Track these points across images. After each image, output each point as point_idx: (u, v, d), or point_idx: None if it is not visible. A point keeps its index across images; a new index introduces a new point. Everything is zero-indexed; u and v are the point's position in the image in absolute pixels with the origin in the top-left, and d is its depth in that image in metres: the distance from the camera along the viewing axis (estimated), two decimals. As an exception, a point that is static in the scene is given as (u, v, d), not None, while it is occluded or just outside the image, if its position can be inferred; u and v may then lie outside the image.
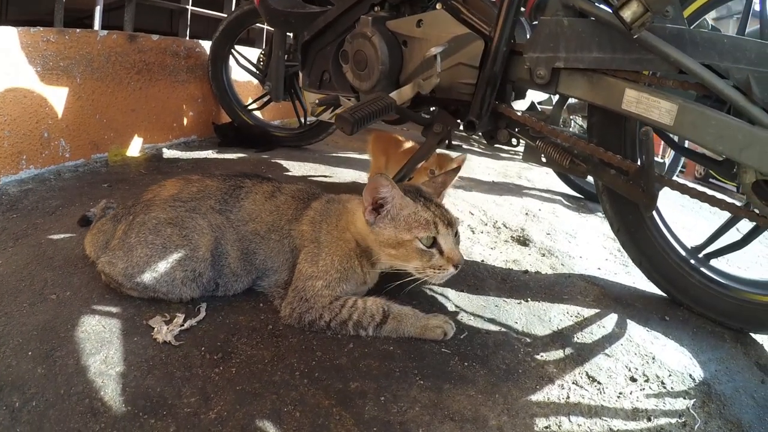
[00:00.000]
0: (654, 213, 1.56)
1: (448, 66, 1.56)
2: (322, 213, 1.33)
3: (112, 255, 1.24)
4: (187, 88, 2.76)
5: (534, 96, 1.75)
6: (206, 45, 2.86)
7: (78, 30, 2.14)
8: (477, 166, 3.11)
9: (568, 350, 1.31)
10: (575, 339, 1.37)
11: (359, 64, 1.71)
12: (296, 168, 2.61)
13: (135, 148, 2.51)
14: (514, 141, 1.65)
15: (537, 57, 1.40)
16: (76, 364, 1.03)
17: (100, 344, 1.09)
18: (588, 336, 1.39)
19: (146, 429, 0.89)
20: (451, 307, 1.45)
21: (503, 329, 1.37)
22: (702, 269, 1.56)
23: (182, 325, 1.17)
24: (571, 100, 1.96)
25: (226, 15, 2.93)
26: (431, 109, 1.95)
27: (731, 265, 2.01)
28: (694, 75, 1.20)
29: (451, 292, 1.51)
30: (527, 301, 1.53)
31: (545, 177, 3.18)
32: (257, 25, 3.13)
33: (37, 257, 1.42)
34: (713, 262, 1.59)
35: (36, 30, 1.97)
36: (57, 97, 2.09)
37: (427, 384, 1.11)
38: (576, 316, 1.48)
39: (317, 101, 1.93)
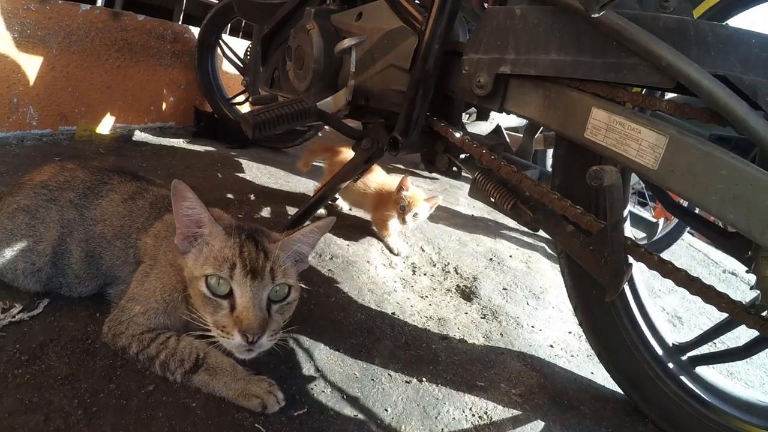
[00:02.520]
0: (628, 290, 1.06)
1: (381, 68, 1.17)
2: (169, 229, 1.06)
3: None
4: (170, 73, 2.50)
5: (503, 118, 1.31)
6: (197, 31, 2.60)
7: (60, 1, 1.97)
8: (464, 196, 2.54)
9: None
10: None
11: (298, 61, 1.35)
12: (253, 170, 2.25)
13: (106, 125, 2.29)
14: (454, 169, 1.21)
15: (478, 59, 0.95)
16: None
17: None
18: None
19: None
20: (308, 370, 1.01)
21: (361, 416, 0.92)
22: (681, 377, 1.04)
23: (14, 317, 1.04)
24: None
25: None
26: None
27: (725, 373, 1.43)
28: (699, 91, 0.71)
29: (322, 350, 1.09)
30: (421, 381, 1.05)
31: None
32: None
33: None
34: (700, 370, 1.07)
35: (18, -4, 1.82)
36: (31, 65, 1.94)
37: None
38: (480, 417, 0.99)
39: (251, 99, 1.59)
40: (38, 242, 1.06)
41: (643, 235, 2.04)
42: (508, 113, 1.02)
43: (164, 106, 2.54)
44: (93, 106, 2.18)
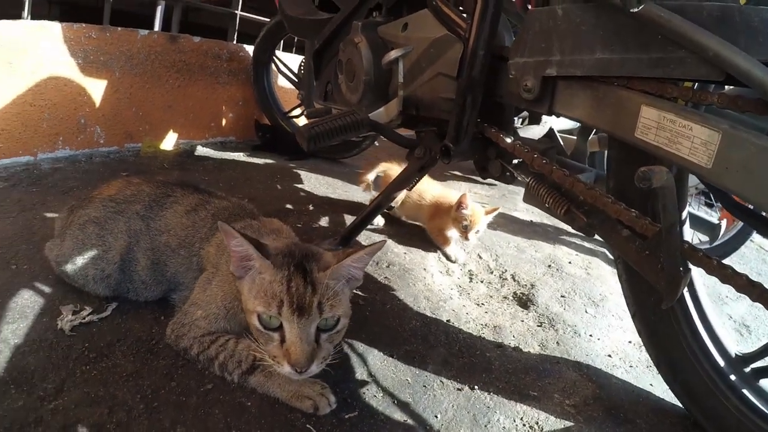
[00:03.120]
0: (689, 298, 1.02)
1: (430, 77, 1.20)
2: None
3: (53, 242, 1.25)
4: (228, 90, 2.67)
5: (558, 121, 1.31)
6: (251, 49, 2.75)
7: (119, 28, 2.17)
8: (521, 201, 2.51)
9: None
10: None
11: (349, 74, 1.41)
12: (311, 181, 2.35)
13: (169, 142, 2.48)
14: (508, 175, 1.21)
15: (524, 62, 0.97)
16: None
17: (19, 316, 1.12)
18: None
19: (6, 397, 0.91)
20: (362, 374, 1.06)
21: (410, 421, 0.95)
22: (744, 390, 0.99)
23: (84, 319, 1.14)
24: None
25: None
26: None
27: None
28: (750, 81, 0.69)
29: (375, 356, 1.12)
30: (473, 388, 1.06)
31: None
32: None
33: (25, 230, 1.47)
34: (764, 383, 1.00)
35: (79, 26, 2.03)
36: (96, 88, 2.14)
37: None
38: (531, 427, 0.98)
39: (306, 113, 1.68)
40: (107, 251, 1.16)
41: (706, 238, 1.93)
42: (558, 116, 1.03)
43: (224, 121, 2.72)
44: (156, 124, 2.37)
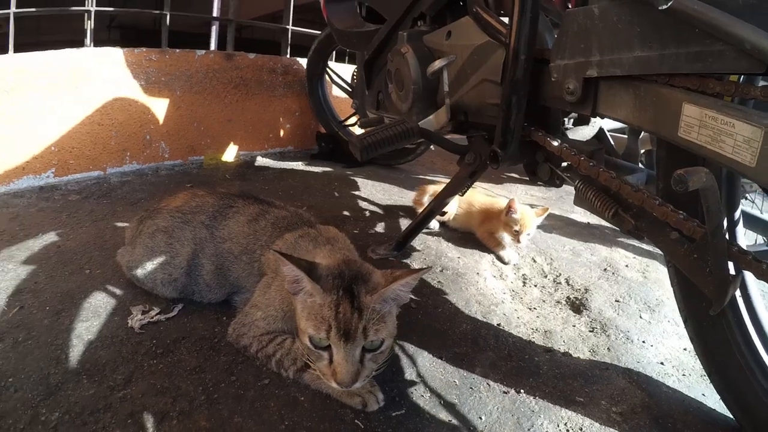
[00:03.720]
0: (742, 303, 0.99)
1: (475, 83, 1.24)
2: (289, 247, 1.22)
3: (125, 249, 1.41)
4: (284, 102, 2.82)
5: (607, 121, 1.31)
6: (304, 62, 2.89)
7: (178, 50, 2.38)
8: None
9: None
10: None
11: (399, 84, 1.49)
12: (368, 188, 2.44)
13: (230, 154, 2.66)
14: (557, 179, 1.24)
15: (564, 65, 0.99)
16: (69, 325, 1.20)
17: (93, 315, 1.25)
18: None
19: (78, 386, 1.02)
20: (411, 375, 1.11)
21: (455, 422, 0.99)
22: None
23: (152, 318, 1.26)
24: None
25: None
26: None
27: None
28: None
29: (425, 357, 1.17)
30: (519, 392, 1.08)
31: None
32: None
33: (97, 238, 1.65)
34: None
35: (140, 50, 2.27)
36: (159, 106, 2.36)
37: None
38: None
39: (359, 122, 1.76)
40: (175, 257, 1.29)
41: (763, 239, 1.82)
42: (602, 117, 1.04)
43: (282, 132, 2.89)
44: (217, 138, 2.57)
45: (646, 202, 0.91)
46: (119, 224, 1.74)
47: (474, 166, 1.39)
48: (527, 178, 2.87)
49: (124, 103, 2.22)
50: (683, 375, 1.22)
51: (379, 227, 1.96)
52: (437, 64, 1.25)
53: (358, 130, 2.93)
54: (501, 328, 1.33)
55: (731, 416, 1.06)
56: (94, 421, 0.93)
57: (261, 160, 2.72)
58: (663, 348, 1.32)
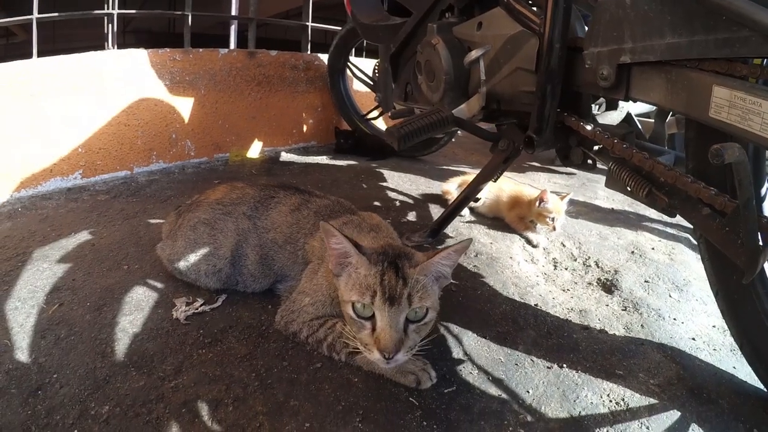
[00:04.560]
0: None
1: (508, 72, 1.31)
2: None
3: (165, 243, 1.45)
4: (307, 98, 2.92)
5: (632, 106, 1.38)
6: (326, 57, 2.97)
7: (201, 49, 2.48)
8: (603, 189, 2.54)
9: None
10: None
11: (429, 74, 1.55)
12: (395, 179, 2.52)
13: (255, 150, 2.76)
14: (589, 162, 1.31)
15: (598, 52, 1.06)
16: (112, 319, 1.26)
17: (135, 309, 1.30)
18: None
19: (127, 378, 1.06)
20: (458, 353, 1.19)
21: (504, 396, 1.07)
22: None
23: (197, 309, 1.31)
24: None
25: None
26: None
27: None
28: None
29: (470, 336, 1.25)
30: (562, 367, 1.17)
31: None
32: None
33: (132, 235, 1.72)
34: None
35: (163, 51, 2.37)
36: (183, 105, 2.45)
37: (364, 429, 0.96)
38: (617, 403, 1.07)
39: (390, 114, 1.84)
40: (219, 248, 1.34)
41: None
42: (635, 101, 1.11)
43: (305, 128, 2.99)
44: (241, 135, 2.67)
45: (679, 180, 0.98)
46: (152, 221, 1.82)
47: (507, 152, 1.47)
48: (549, 166, 2.95)
49: (150, 103, 2.31)
50: (714, 350, 1.29)
51: (411, 216, 2.05)
52: (474, 53, 1.32)
53: (379, 123, 3.03)
54: (538, 308, 1.42)
55: (762, 387, 1.13)
56: (146, 412, 0.97)
57: (285, 156, 2.81)
58: (693, 325, 1.39)
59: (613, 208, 2.30)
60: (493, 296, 1.46)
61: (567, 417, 1.03)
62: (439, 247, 1.07)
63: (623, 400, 1.08)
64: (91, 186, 2.17)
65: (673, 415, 1.05)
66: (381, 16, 2.00)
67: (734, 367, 1.22)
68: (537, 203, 1.80)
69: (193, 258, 1.35)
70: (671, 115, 1.55)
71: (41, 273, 1.43)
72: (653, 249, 1.86)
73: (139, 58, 2.29)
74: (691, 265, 1.75)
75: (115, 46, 2.43)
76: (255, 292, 1.39)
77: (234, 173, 2.44)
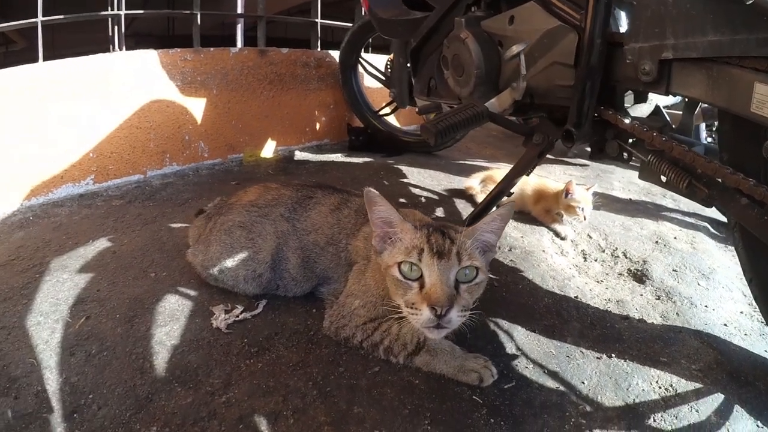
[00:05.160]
0: None
1: (544, 66, 1.34)
2: None
3: (197, 248, 1.42)
4: (319, 96, 2.94)
5: (661, 99, 1.43)
6: (337, 54, 2.99)
7: (212, 49, 2.48)
8: (618, 180, 2.63)
9: None
10: (650, 420, 1.04)
11: (457, 69, 1.58)
12: (414, 175, 2.56)
13: (269, 149, 2.78)
14: (625, 155, 1.35)
15: (640, 47, 1.11)
16: (146, 331, 1.21)
17: (170, 319, 1.26)
18: (670, 420, 1.05)
19: (172, 395, 1.02)
20: (511, 349, 1.23)
21: (562, 388, 1.12)
22: None
23: (237, 317, 1.28)
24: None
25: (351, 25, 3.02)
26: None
27: None
28: None
29: (519, 331, 1.30)
30: (611, 357, 1.22)
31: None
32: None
33: (154, 241, 1.68)
34: None
35: (174, 51, 2.36)
36: (196, 106, 2.46)
37: (433, 431, 0.98)
38: (666, 389, 1.13)
39: (417, 109, 1.86)
40: (258, 252, 1.31)
41: None
42: (675, 96, 1.16)
43: (318, 126, 3.01)
44: (255, 134, 2.68)
45: (719, 172, 1.04)
46: (173, 225, 1.80)
47: (542, 146, 1.50)
48: (562, 159, 3.01)
49: (161, 104, 2.31)
50: (745, 335, 1.36)
51: (439, 212, 2.09)
52: (516, 48, 1.34)
53: (391, 119, 3.05)
54: (578, 300, 1.47)
55: None
56: (199, 430, 0.94)
57: (299, 154, 2.83)
58: (723, 311, 1.46)
59: (631, 199, 2.37)
60: (534, 290, 1.51)
61: (623, 405, 1.08)
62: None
63: (671, 385, 1.14)
64: (104, 191, 2.15)
65: (718, 397, 1.12)
66: (400, 10, 2.02)
67: (766, 351, 1.29)
68: (564, 195, 1.86)
69: (230, 263, 1.32)
70: (699, 108, 1.61)
71: (62, 284, 1.39)
72: (675, 238, 1.93)
73: (148, 59, 2.29)
74: (713, 254, 1.83)
75: (123, 48, 2.42)
76: (296, 296, 1.37)
77: (250, 174, 2.46)
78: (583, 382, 1.14)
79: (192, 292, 1.38)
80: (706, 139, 2.60)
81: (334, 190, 1.46)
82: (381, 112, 2.94)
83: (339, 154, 2.87)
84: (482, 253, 1.07)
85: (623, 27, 1.25)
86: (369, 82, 3.05)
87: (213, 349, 1.16)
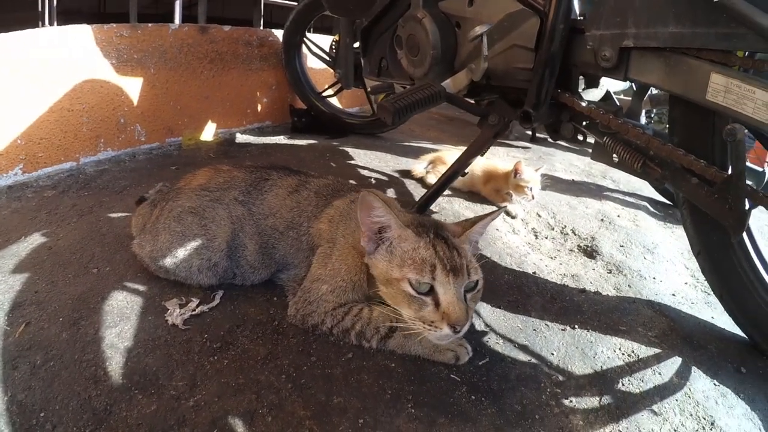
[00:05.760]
0: (745, 236, 1.23)
1: (502, 49, 1.37)
2: (343, 213, 1.23)
3: (142, 238, 1.31)
4: (261, 76, 2.83)
5: (610, 84, 1.50)
6: (280, 34, 2.90)
7: (150, 24, 2.30)
8: (560, 162, 2.78)
9: (606, 399, 1.07)
10: (619, 385, 1.12)
11: (412, 49, 1.57)
12: (361, 157, 2.54)
13: (209, 132, 2.64)
14: (580, 137, 1.41)
15: (601, 35, 1.16)
16: (95, 334, 1.11)
17: (120, 318, 1.16)
18: (637, 383, 1.13)
19: (133, 403, 0.94)
20: (479, 326, 1.27)
21: (533, 360, 1.17)
22: None
23: (194, 310, 1.20)
24: (655, 90, 1.65)
25: (296, 3, 2.94)
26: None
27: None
28: None
29: (485, 308, 1.33)
30: (574, 328, 1.29)
31: (633, 178, 2.68)
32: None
33: (92, 233, 1.56)
34: None
35: (109, 26, 2.16)
36: (132, 86, 2.27)
37: (418, 413, 0.98)
38: (629, 355, 1.22)
39: (370, 89, 1.83)
40: (212, 239, 1.23)
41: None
42: (632, 81, 1.22)
43: (260, 107, 2.89)
44: (194, 116, 2.54)
45: (674, 153, 1.12)
46: (113, 215, 1.68)
47: (498, 127, 1.54)
48: (504, 141, 3.11)
49: (95, 85, 2.12)
50: (692, 303, 1.48)
51: (390, 192, 2.10)
52: (479, 29, 1.35)
53: (334, 101, 3.00)
54: (537, 276, 1.54)
55: (739, 333, 1.32)
56: None
57: (241, 137, 2.72)
58: (670, 283, 1.58)
59: (573, 180, 2.50)
60: (494, 267, 1.55)
61: (592, 372, 1.15)
62: (471, 216, 1.12)
63: (633, 351, 1.23)
64: (35, 182, 1.94)
65: (676, 360, 1.22)
66: (352, -11, 1.98)
67: (712, 317, 1.42)
68: (513, 175, 1.92)
69: (182, 253, 1.23)
70: (648, 95, 1.71)
71: None
72: (619, 216, 2.06)
73: (82, 35, 2.07)
74: (655, 231, 1.97)
75: (55, 23, 2.19)
76: (254, 285, 1.31)
77: (190, 158, 2.33)
78: (552, 354, 1.20)
79: (141, 287, 1.28)
80: (647, 124, 2.77)
81: (290, 171, 1.40)
82: (324, 94, 2.89)
83: (282, 137, 2.80)
84: (472, 246, 1.10)
85: (585, 14, 1.28)
86: (312, 63, 2.98)
87: (172, 349, 1.08)
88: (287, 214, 1.27)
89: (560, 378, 1.12)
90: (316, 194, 1.30)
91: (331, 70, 2.74)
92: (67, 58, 2.03)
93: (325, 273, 1.16)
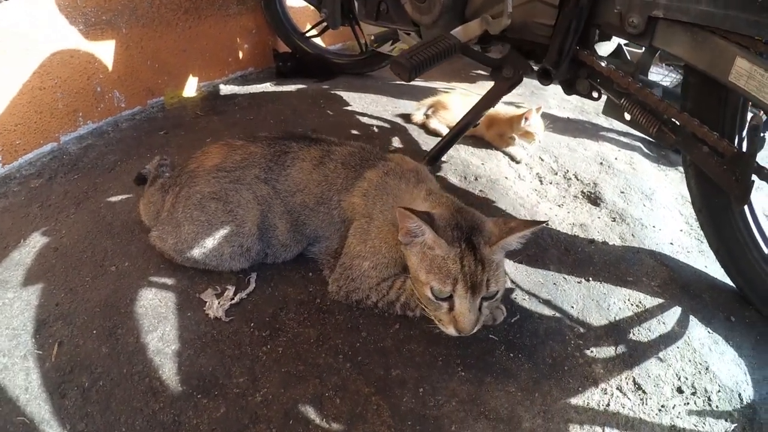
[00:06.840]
0: None
1: (524, 1, 1.35)
2: (378, 187, 1.22)
3: (162, 230, 1.26)
4: (239, 21, 2.65)
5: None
6: None
7: None
8: (552, 97, 2.72)
9: (621, 348, 1.21)
10: (631, 335, 1.25)
11: None
12: (356, 101, 2.47)
13: (191, 87, 2.51)
14: (595, 93, 1.43)
15: (631, 1, 1.17)
16: (136, 342, 1.07)
17: (157, 320, 1.13)
18: (645, 333, 1.26)
19: (200, 409, 0.93)
20: (507, 283, 1.34)
21: (557, 314, 1.28)
22: None
23: (232, 299, 1.18)
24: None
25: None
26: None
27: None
28: None
29: (508, 264, 1.40)
30: (588, 280, 1.40)
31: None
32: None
33: (97, 224, 1.46)
34: None
35: (71, -11, 1.93)
36: (104, 50, 2.10)
37: (468, 376, 1.09)
38: (637, 306, 1.34)
39: (372, 36, 1.75)
40: (242, 225, 1.19)
41: None
42: (656, 49, 1.23)
43: (241, 54, 2.73)
44: (174, 73, 2.39)
45: (689, 123, 1.18)
46: (112, 199, 1.58)
47: (513, 79, 1.54)
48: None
49: (65, 56, 1.95)
50: (688, 252, 1.59)
51: (396, 142, 2.07)
52: None
53: (319, 41, 2.87)
54: (550, 227, 1.61)
55: (728, 282, 1.44)
56: None
57: (225, 88, 2.60)
58: (668, 231, 1.68)
59: (568, 117, 2.50)
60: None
61: (607, 323, 1.28)
62: (512, 223, 1.07)
63: (640, 302, 1.35)
64: (17, 172, 1.77)
65: (677, 310, 1.35)
66: None
67: (705, 266, 1.53)
68: (523, 122, 1.93)
69: (210, 243, 1.20)
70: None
71: (10, 307, 1.16)
72: (616, 159, 2.11)
73: (41, 3, 1.85)
74: (651, 174, 2.03)
75: None
76: (285, 261, 1.31)
77: (177, 119, 2.22)
78: (572, 306, 1.31)
79: (168, 281, 1.23)
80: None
81: (310, 140, 1.35)
82: (308, 34, 2.74)
83: (267, 83, 2.68)
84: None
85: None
86: (292, 1, 2.79)
87: (222, 344, 1.07)
88: (315, 189, 1.24)
89: (581, 330, 1.24)
90: (343, 165, 1.26)
91: (312, 8, 2.59)
92: (30, 33, 1.83)
93: (365, 250, 1.17)
